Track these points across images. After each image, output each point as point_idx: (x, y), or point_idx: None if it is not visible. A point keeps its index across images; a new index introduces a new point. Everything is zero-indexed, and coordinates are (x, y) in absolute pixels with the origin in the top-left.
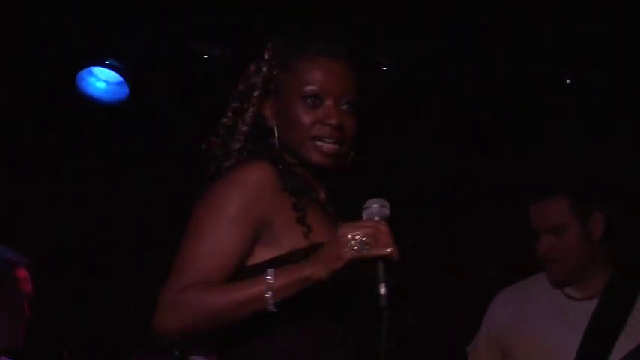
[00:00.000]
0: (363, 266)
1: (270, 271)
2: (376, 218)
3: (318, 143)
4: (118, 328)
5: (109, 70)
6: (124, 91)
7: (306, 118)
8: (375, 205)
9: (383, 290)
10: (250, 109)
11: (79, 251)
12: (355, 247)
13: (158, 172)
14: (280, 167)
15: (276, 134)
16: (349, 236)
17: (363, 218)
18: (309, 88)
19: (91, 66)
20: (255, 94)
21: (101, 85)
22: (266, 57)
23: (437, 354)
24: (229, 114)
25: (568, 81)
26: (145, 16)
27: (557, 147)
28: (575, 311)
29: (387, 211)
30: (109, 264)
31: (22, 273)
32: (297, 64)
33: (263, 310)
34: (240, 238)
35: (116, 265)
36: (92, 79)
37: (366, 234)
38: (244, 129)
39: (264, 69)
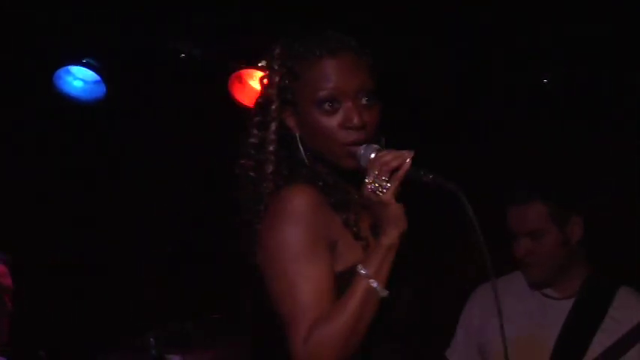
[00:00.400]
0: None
1: (358, 265)
2: (372, 155)
3: (351, 149)
4: (95, 327)
5: (86, 69)
6: (101, 90)
7: (327, 125)
8: (362, 151)
9: (431, 176)
10: (273, 124)
11: (65, 251)
12: (385, 186)
13: (146, 172)
14: (320, 183)
15: (303, 144)
16: (370, 187)
17: (363, 165)
18: (322, 93)
19: (68, 65)
20: (273, 106)
21: (78, 83)
22: (275, 67)
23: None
24: (255, 131)
25: (545, 80)
26: (122, 15)
27: (538, 148)
28: (552, 310)
29: (374, 145)
30: (95, 264)
31: (1, 269)
32: (304, 70)
33: (379, 300)
34: (325, 263)
35: (98, 263)
36: (69, 78)
37: (379, 170)
38: (272, 148)
39: (276, 79)
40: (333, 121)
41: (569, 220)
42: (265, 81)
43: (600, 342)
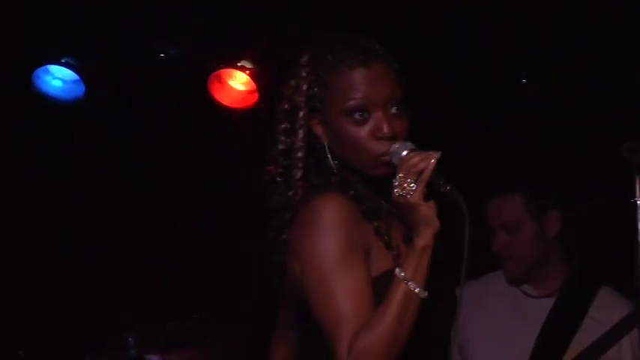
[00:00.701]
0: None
1: (396, 269)
2: (404, 153)
3: (382, 159)
4: (74, 328)
5: (66, 69)
6: (80, 90)
7: (357, 135)
8: (396, 146)
9: (448, 187)
10: (300, 131)
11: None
12: (412, 188)
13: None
14: (351, 192)
15: (331, 152)
16: (398, 192)
17: (395, 163)
18: (352, 102)
19: (47, 64)
20: (301, 114)
21: (57, 83)
22: (303, 74)
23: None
24: (282, 137)
25: (524, 80)
26: (101, 15)
27: (521, 144)
28: (533, 309)
29: (408, 144)
30: (84, 264)
31: None
32: (334, 80)
33: (420, 301)
34: (362, 271)
35: (87, 264)
36: (48, 78)
37: (405, 172)
38: (300, 154)
39: (304, 87)
40: (362, 131)
41: (546, 214)
42: (291, 88)
43: (580, 342)
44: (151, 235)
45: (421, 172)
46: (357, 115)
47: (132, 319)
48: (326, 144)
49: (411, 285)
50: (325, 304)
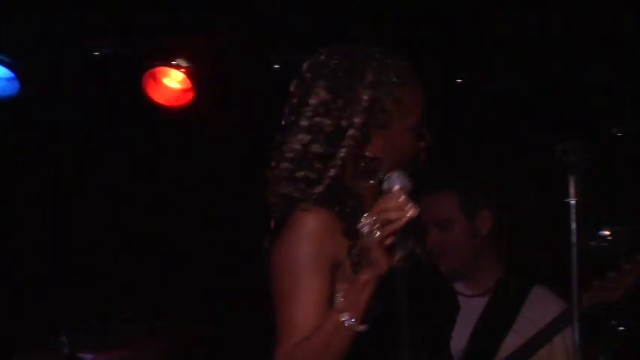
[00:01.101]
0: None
1: (337, 297)
2: (396, 187)
3: None
4: (5, 326)
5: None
6: (14, 87)
7: (415, 148)
8: (395, 174)
9: (401, 255)
10: (343, 151)
11: None
12: (376, 233)
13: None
14: (337, 209)
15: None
16: (361, 225)
17: (384, 188)
18: (417, 117)
19: None
20: (351, 132)
21: None
22: (365, 95)
23: None
24: (312, 162)
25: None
26: (36, 12)
27: (454, 142)
28: (465, 308)
29: (407, 180)
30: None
31: None
32: (405, 95)
33: (354, 332)
34: (324, 285)
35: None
36: None
37: (378, 213)
38: (331, 173)
39: (367, 105)
40: (421, 144)
41: (478, 213)
42: (337, 109)
43: (512, 342)
44: (84, 234)
45: (390, 221)
46: (420, 128)
47: (65, 317)
48: (379, 158)
49: (343, 316)
50: (281, 308)
